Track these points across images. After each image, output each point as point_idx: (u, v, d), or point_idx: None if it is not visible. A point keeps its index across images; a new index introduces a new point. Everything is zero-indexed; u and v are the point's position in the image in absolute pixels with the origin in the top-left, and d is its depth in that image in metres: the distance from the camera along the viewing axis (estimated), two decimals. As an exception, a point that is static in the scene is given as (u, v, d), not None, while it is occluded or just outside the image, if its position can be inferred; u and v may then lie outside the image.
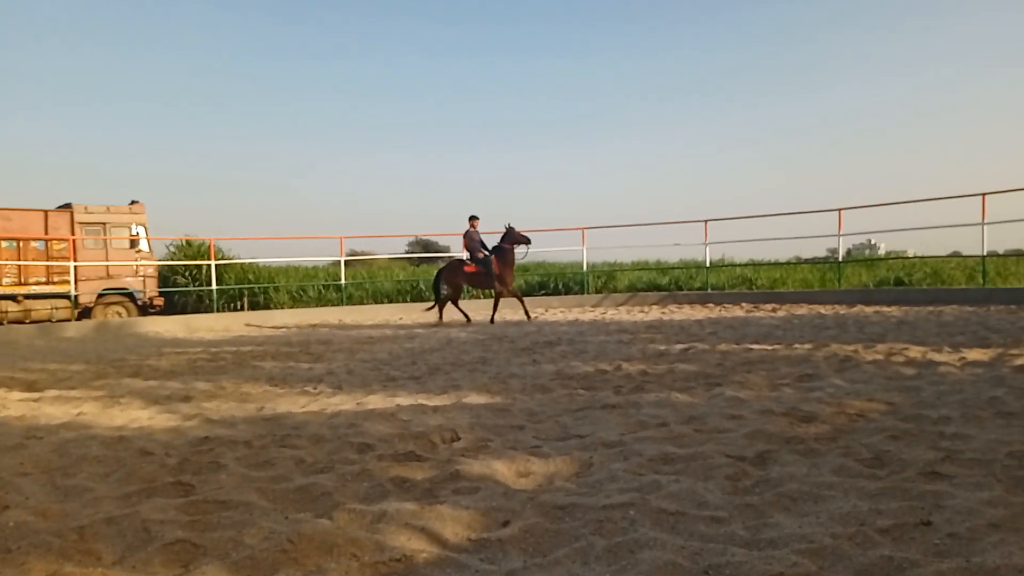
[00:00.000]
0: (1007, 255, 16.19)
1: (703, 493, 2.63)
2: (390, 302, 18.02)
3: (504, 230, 12.69)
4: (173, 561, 2.25)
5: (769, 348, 6.97)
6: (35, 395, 5.79)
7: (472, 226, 13.00)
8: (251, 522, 2.50)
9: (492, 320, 12.68)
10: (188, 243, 18.21)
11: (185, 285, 18.02)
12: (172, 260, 17.90)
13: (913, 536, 2.20)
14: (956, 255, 16.13)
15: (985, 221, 12.33)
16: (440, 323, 12.85)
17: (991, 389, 4.36)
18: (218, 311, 16.32)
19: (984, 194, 12.29)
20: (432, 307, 13.59)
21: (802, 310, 12.33)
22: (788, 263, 19.12)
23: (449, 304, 13.39)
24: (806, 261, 19.76)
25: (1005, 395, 4.16)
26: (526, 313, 13.01)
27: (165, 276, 18.02)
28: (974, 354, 5.88)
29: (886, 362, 5.69)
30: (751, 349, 6.96)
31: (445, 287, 13.16)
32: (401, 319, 14.46)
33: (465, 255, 13.29)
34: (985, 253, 12.74)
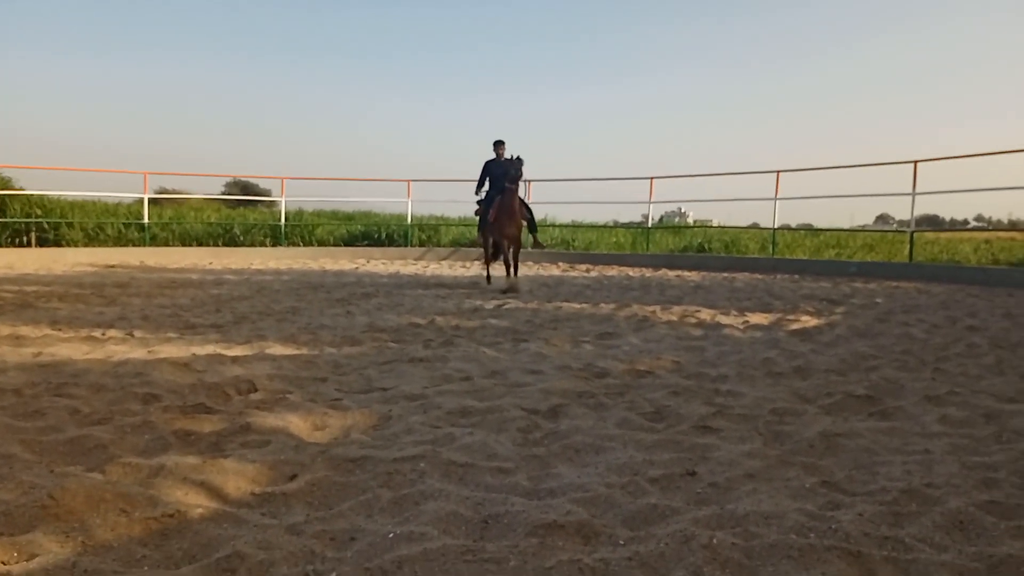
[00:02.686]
0: (797, 229, 17.82)
1: (494, 445, 2.71)
2: (200, 245, 17.00)
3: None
4: (-93, 521, 2.01)
5: (577, 307, 7.28)
6: None
7: (497, 154, 9.74)
8: (10, 476, 2.29)
9: (509, 276, 9.25)
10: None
11: (-41, 215, 16.01)
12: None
13: (679, 485, 2.39)
14: (755, 227, 17.52)
15: (778, 196, 13.47)
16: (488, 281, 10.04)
17: (766, 351, 4.81)
18: (0, 246, 14.68)
19: (778, 172, 13.40)
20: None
21: (613, 271, 12.96)
22: (606, 226, 19.95)
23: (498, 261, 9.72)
24: (622, 225, 20.71)
25: (777, 356, 4.60)
26: (508, 272, 9.24)
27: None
28: (756, 318, 6.45)
29: (679, 323, 6.12)
30: (560, 307, 7.23)
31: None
32: (211, 264, 13.69)
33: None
34: (776, 226, 13.94)
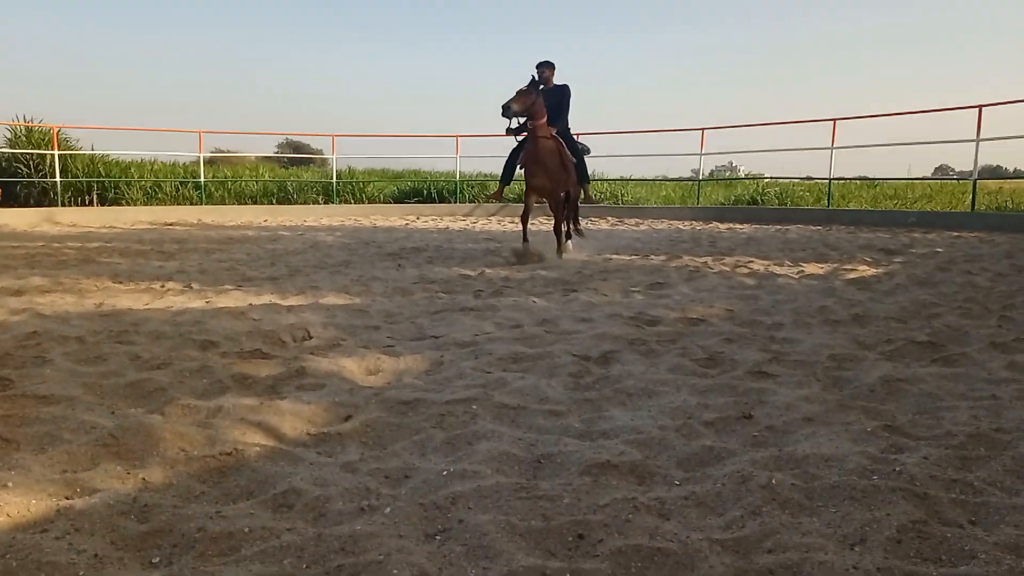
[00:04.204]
0: (852, 180, 17.28)
1: (545, 389, 2.70)
2: (254, 203, 17.25)
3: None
4: (-20, 457, 2.09)
5: (627, 259, 7.19)
6: None
7: (543, 80, 7.30)
8: (72, 417, 2.35)
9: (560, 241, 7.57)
10: (28, 130, 16.61)
11: (26, 176, 16.51)
12: (10, 148, 16.28)
13: (734, 428, 2.35)
14: (808, 179, 17.06)
15: (834, 146, 13.04)
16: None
17: (822, 299, 4.68)
18: (64, 205, 15.09)
19: (834, 120, 12.96)
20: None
21: (662, 225, 12.76)
22: (655, 180, 19.63)
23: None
24: (671, 180, 20.35)
25: (834, 304, 4.47)
26: (558, 242, 7.51)
27: (2, 166, 16.41)
28: (811, 268, 6.28)
29: (731, 273, 5.99)
30: (610, 259, 7.16)
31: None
32: (266, 220, 13.90)
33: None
34: (832, 177, 13.53)
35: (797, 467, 1.97)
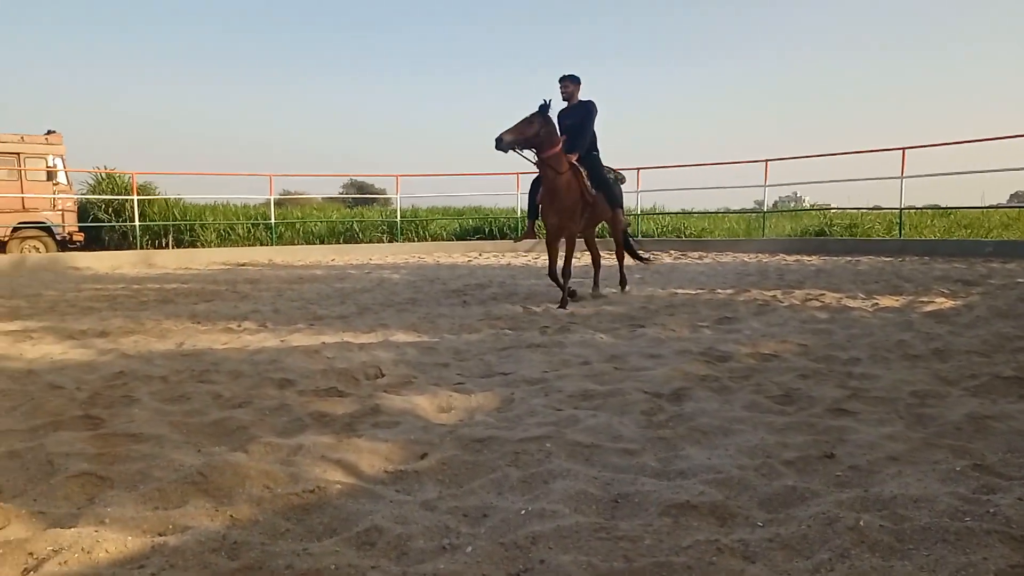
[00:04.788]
0: (924, 209, 16.81)
1: (618, 427, 2.69)
2: (322, 243, 17.71)
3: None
4: (77, 493, 2.18)
5: (693, 293, 7.12)
6: (-62, 329, 5.52)
7: (566, 97, 6.68)
8: (161, 455, 2.44)
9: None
10: (109, 177, 17.44)
11: (107, 220, 17.30)
12: (92, 194, 17.13)
13: (816, 468, 2.29)
14: (876, 208, 16.65)
15: (904, 175, 12.72)
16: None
17: (899, 333, 4.55)
18: (141, 248, 15.75)
19: (904, 148, 12.66)
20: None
21: (727, 258, 12.61)
22: (717, 213, 19.45)
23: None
24: (733, 212, 20.13)
25: (912, 339, 4.34)
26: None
27: (85, 211, 17.24)
28: (886, 301, 6.12)
29: (802, 307, 5.88)
30: (676, 294, 7.10)
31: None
32: (333, 260, 14.23)
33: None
34: (903, 206, 13.19)
35: (885, 508, 1.91)
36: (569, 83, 6.58)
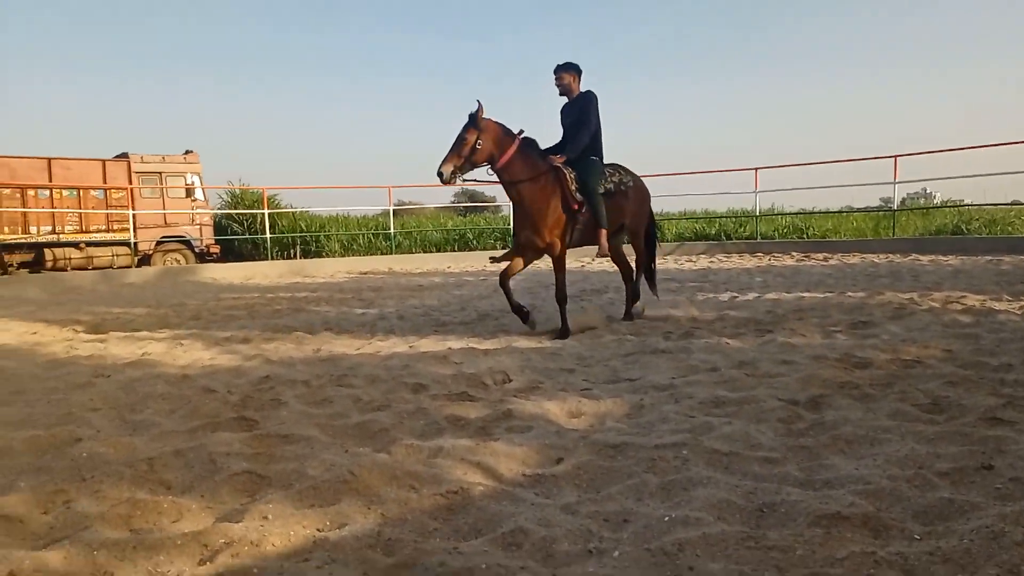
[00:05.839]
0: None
1: (756, 435, 2.63)
2: (438, 251, 18.17)
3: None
4: (239, 491, 2.34)
5: (821, 296, 6.86)
6: (101, 337, 6.01)
7: (563, 93, 5.63)
8: (313, 455, 2.58)
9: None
10: (242, 192, 18.52)
11: (240, 233, 18.38)
12: (227, 209, 18.27)
13: (974, 480, 2.18)
14: (1016, 203, 15.55)
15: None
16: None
17: (1055, 338, 4.24)
18: (271, 259, 16.63)
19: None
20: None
21: (854, 259, 12.06)
22: (840, 212, 18.64)
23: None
24: (859, 210, 19.23)
25: (1070, 344, 4.04)
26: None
27: (220, 224, 18.41)
28: (1037, 303, 5.71)
29: (942, 310, 5.56)
30: (803, 297, 6.86)
31: None
32: (449, 267, 14.56)
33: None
34: (1052, 201, 12.27)
35: (1057, 524, 1.80)
36: (564, 74, 5.51)
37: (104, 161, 16.89)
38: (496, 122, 5.16)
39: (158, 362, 4.69)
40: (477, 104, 5.01)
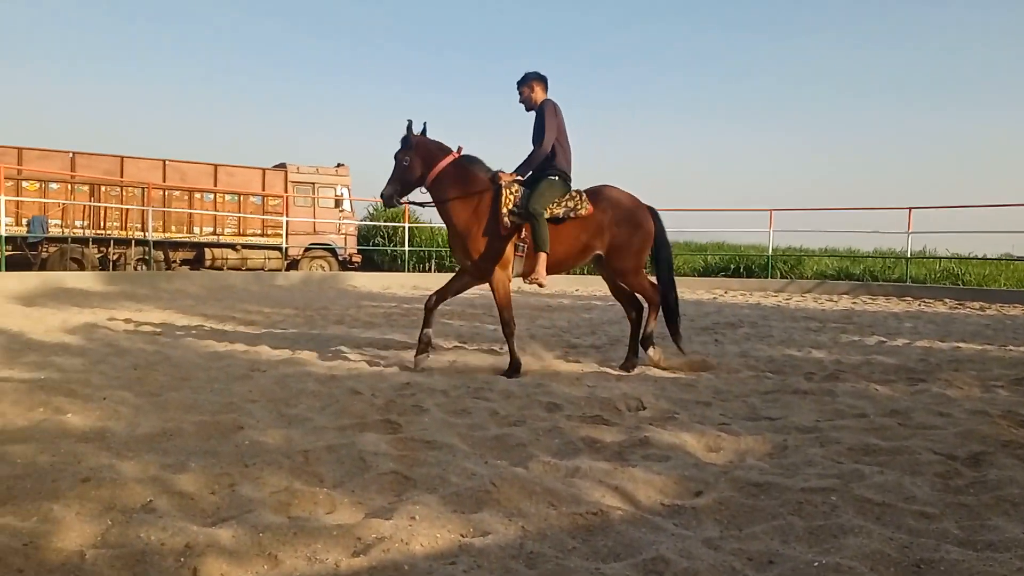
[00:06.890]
0: None
1: (910, 487, 2.50)
2: (567, 273, 18.25)
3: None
4: (387, 489, 2.46)
5: (978, 348, 6.42)
6: (255, 333, 6.43)
7: (523, 99, 5.14)
8: (454, 463, 2.67)
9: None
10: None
11: (381, 245, 19.18)
12: (371, 220, 19.16)
13: None
14: None
15: None
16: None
17: None
18: (409, 271, 17.24)
19: None
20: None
21: (1016, 311, 11.19)
22: (999, 259, 17.33)
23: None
24: (1018, 258, 17.79)
25: None
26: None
27: (364, 235, 19.30)
28: None
29: (1125, 373, 5.07)
30: (958, 347, 6.43)
31: None
32: (577, 290, 14.60)
33: None
34: None
35: None
36: (523, 87, 5.04)
37: (264, 170, 18.11)
38: (428, 139, 4.97)
39: (307, 361, 4.97)
40: (409, 121, 4.90)
